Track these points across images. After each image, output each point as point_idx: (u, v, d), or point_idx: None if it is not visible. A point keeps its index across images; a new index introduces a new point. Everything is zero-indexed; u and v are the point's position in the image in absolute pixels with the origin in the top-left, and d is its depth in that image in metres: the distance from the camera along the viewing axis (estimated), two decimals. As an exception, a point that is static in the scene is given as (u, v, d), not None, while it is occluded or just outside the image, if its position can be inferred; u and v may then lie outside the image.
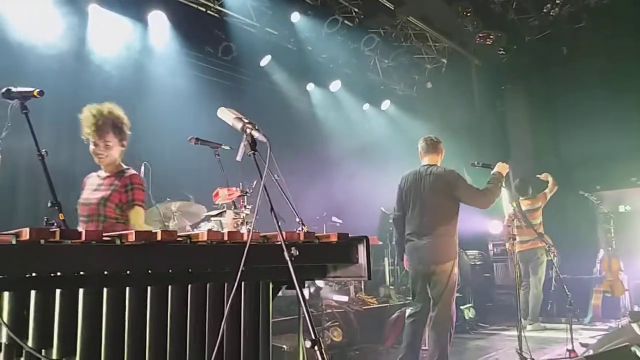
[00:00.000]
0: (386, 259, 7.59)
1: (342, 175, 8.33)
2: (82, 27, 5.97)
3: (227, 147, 4.35)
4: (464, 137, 8.62)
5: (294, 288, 1.86)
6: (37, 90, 2.50)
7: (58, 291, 1.76)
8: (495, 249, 8.77)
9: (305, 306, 1.83)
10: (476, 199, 4.42)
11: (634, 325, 4.09)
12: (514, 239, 5.02)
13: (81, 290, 1.80)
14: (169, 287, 1.98)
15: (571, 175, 8.73)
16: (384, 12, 8.06)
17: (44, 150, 2.83)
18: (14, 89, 2.47)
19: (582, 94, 8.72)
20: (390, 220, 5.10)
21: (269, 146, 2.00)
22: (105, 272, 1.85)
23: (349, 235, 2.48)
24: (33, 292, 1.73)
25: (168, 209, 4.94)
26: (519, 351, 4.32)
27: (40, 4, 5.55)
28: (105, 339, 1.82)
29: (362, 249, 2.46)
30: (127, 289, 1.88)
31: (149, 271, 1.94)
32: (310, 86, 8.77)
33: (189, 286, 2.02)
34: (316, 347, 1.74)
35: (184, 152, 5.44)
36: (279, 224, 1.98)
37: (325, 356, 1.74)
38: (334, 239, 2.42)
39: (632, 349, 3.51)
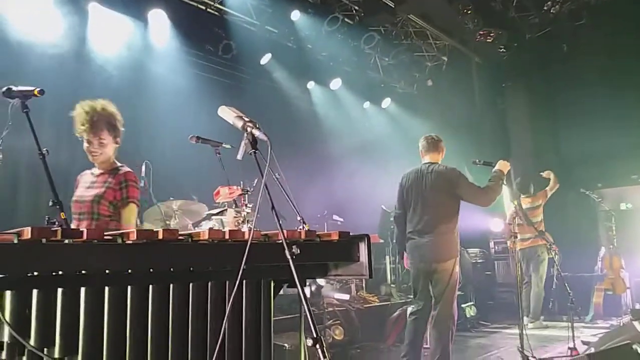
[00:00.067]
0: (387, 257, 7.58)
1: (343, 174, 8.33)
2: (82, 25, 5.97)
3: (227, 146, 4.34)
4: (464, 134, 8.62)
5: (295, 286, 1.86)
6: (38, 89, 2.49)
7: (60, 290, 1.76)
8: (496, 247, 8.78)
9: (307, 304, 1.83)
10: (477, 197, 4.42)
11: (636, 323, 4.10)
12: (516, 237, 5.01)
13: (83, 289, 1.80)
14: (171, 285, 1.98)
15: (572, 173, 8.73)
16: (384, 9, 8.05)
17: (44, 149, 2.82)
18: (14, 88, 2.46)
19: (583, 91, 8.72)
20: (391, 219, 5.10)
21: (269, 145, 2.00)
22: (107, 271, 1.85)
23: (350, 234, 2.48)
24: (35, 291, 1.73)
25: (169, 208, 4.94)
26: (520, 349, 4.32)
27: (40, 2, 5.55)
28: (107, 338, 1.82)
29: (363, 247, 2.46)
30: (129, 287, 1.88)
31: (151, 270, 1.94)
32: (311, 84, 8.77)
33: (191, 285, 2.02)
34: (318, 346, 1.74)
35: (184, 150, 5.44)
36: (280, 222, 1.98)
37: (326, 354, 1.74)
38: (335, 237, 2.42)
39: (634, 346, 3.51)
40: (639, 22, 7.91)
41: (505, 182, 4.52)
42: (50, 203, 2.54)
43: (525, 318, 6.72)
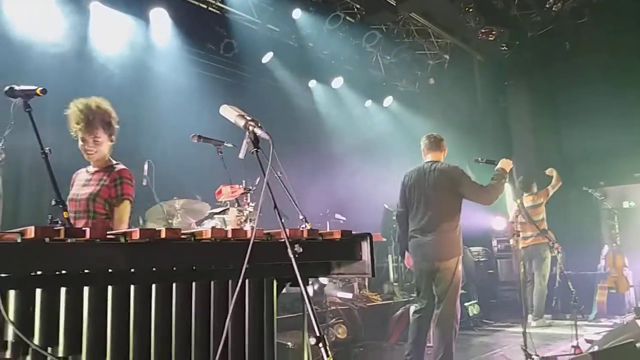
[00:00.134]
0: (390, 255, 7.58)
1: (345, 172, 8.33)
2: (84, 24, 5.98)
3: (229, 145, 4.34)
4: (466, 133, 8.61)
5: (298, 285, 1.86)
6: (40, 88, 2.49)
7: (63, 289, 1.77)
8: (499, 245, 8.77)
9: (310, 303, 1.83)
10: (480, 195, 4.41)
11: (639, 322, 4.09)
12: (518, 235, 5.01)
13: (86, 288, 1.81)
14: (173, 284, 1.98)
15: (574, 171, 8.71)
16: (386, 8, 8.04)
17: (47, 148, 2.82)
18: (17, 87, 2.46)
19: (585, 89, 8.70)
20: (394, 217, 5.10)
21: (271, 143, 2.00)
22: (110, 270, 1.85)
23: (353, 232, 2.47)
24: (38, 290, 1.73)
25: (172, 207, 4.94)
26: (523, 348, 4.31)
27: (42, 2, 5.55)
28: (111, 337, 1.82)
29: (365, 246, 2.46)
30: (132, 286, 1.89)
31: (153, 269, 1.95)
32: (312, 83, 8.77)
33: (193, 284, 2.03)
34: (320, 344, 1.74)
35: (186, 149, 5.44)
36: (282, 221, 1.98)
37: (329, 353, 1.74)
38: (337, 236, 2.42)
39: (637, 345, 3.51)
40: (641, 19, 7.90)
41: (507, 180, 4.51)
42: (53, 202, 2.54)
43: (528, 316, 6.73)
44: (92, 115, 3.00)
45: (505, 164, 4.53)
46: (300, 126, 8.27)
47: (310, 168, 7.46)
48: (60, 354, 1.75)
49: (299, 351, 4.21)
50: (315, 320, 1.78)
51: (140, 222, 5.25)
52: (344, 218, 7.32)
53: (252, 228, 2.02)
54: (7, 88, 2.43)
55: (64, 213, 2.35)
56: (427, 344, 4.54)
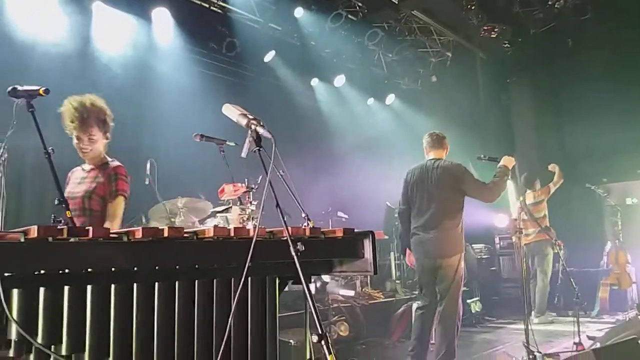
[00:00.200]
0: (392, 253, 7.59)
1: (347, 170, 8.33)
2: (86, 24, 5.99)
3: (232, 144, 4.35)
4: (469, 130, 8.59)
5: (300, 283, 1.87)
6: (43, 88, 2.49)
7: (66, 288, 1.77)
8: (501, 243, 8.76)
9: (312, 301, 1.83)
10: (482, 193, 4.42)
11: (641, 318, 4.09)
12: (521, 233, 5.01)
13: (89, 287, 1.81)
14: (176, 283, 1.99)
15: (577, 167, 8.70)
16: (387, 6, 8.03)
17: (50, 148, 2.83)
18: (19, 88, 2.46)
19: (588, 86, 8.68)
20: (396, 215, 5.10)
21: (273, 142, 2.00)
22: (113, 269, 1.86)
23: (355, 230, 2.48)
24: (42, 289, 1.74)
25: (174, 205, 4.95)
26: (526, 344, 4.32)
27: (44, 2, 5.57)
28: (114, 335, 1.83)
29: (367, 244, 2.46)
30: (135, 285, 1.89)
31: (156, 267, 1.95)
32: (315, 81, 8.77)
33: (196, 282, 2.03)
34: (323, 342, 1.74)
35: (189, 148, 5.46)
36: (285, 219, 1.98)
37: (332, 350, 1.75)
38: (339, 234, 2.42)
39: (640, 341, 3.51)
40: (644, 16, 7.87)
41: (510, 177, 4.52)
42: (56, 202, 2.55)
43: (531, 313, 6.73)
44: (87, 113, 2.98)
45: (507, 161, 4.53)
46: (302, 125, 8.27)
47: (313, 166, 7.46)
48: (64, 353, 1.75)
49: (302, 349, 4.23)
50: (318, 318, 1.79)
51: (143, 220, 5.27)
52: (346, 216, 7.32)
53: (255, 226, 2.03)
54: (10, 88, 2.43)
55: (67, 212, 2.36)
56: (430, 342, 4.55)
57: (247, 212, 4.53)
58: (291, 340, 4.39)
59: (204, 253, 2.06)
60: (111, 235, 1.86)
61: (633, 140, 8.07)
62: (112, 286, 1.85)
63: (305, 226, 2.32)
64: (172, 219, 4.92)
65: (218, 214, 4.87)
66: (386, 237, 7.39)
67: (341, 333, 5.34)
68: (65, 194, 3.07)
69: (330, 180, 7.80)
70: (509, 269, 8.59)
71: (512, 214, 7.45)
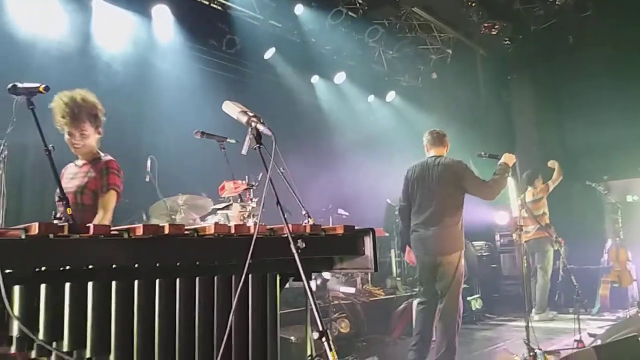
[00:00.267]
0: (393, 250, 7.59)
1: (348, 168, 8.33)
2: (86, 21, 5.98)
3: (232, 141, 4.35)
4: (469, 127, 8.59)
5: (301, 280, 1.87)
6: (43, 85, 2.48)
7: (67, 285, 1.78)
8: (502, 240, 8.77)
9: (313, 298, 1.83)
10: (482, 190, 4.42)
11: (642, 315, 4.09)
12: (521, 230, 5.01)
13: (90, 284, 1.82)
14: (177, 280, 1.99)
15: (578, 165, 8.70)
16: (388, 3, 8.02)
17: (50, 145, 2.83)
18: (20, 85, 2.46)
19: (589, 83, 8.66)
20: (396, 212, 5.11)
21: (274, 139, 2.00)
22: (114, 266, 1.86)
23: (355, 228, 2.48)
24: (43, 286, 1.74)
25: (175, 202, 4.95)
26: (526, 342, 4.32)
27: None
28: (115, 331, 1.84)
29: (368, 241, 2.46)
30: (136, 282, 1.90)
31: (157, 264, 1.95)
32: (315, 78, 8.75)
33: (197, 279, 2.03)
34: (324, 339, 1.74)
35: (189, 145, 5.46)
36: (285, 216, 1.98)
37: (332, 347, 1.75)
38: (340, 231, 2.42)
39: (640, 338, 3.51)
40: (645, 12, 7.85)
41: (510, 174, 4.52)
42: (57, 198, 2.55)
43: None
44: (78, 109, 2.96)
45: (508, 158, 4.53)
46: (302, 122, 8.26)
47: (313, 163, 7.46)
48: (65, 349, 1.76)
49: (302, 345, 4.23)
50: (318, 315, 1.79)
51: (144, 217, 5.27)
52: (347, 213, 7.32)
53: (255, 223, 2.03)
54: (10, 85, 2.43)
55: (68, 209, 2.36)
56: (432, 339, 4.55)
57: (248, 210, 4.52)
58: (292, 337, 4.40)
59: (205, 250, 2.06)
60: (112, 232, 1.87)
61: (634, 137, 8.06)
62: (113, 283, 1.86)
63: (305, 223, 2.32)
64: (173, 216, 4.93)
65: (218, 211, 4.87)
66: (387, 234, 7.40)
67: (342, 330, 5.35)
68: (58, 190, 3.07)
69: (331, 177, 7.80)
70: (509, 266, 8.60)
71: (512, 211, 7.45)
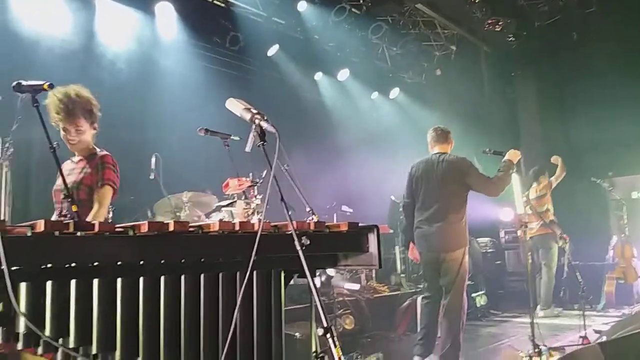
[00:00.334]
0: (397, 247, 7.59)
1: (352, 164, 8.33)
2: (90, 19, 6.00)
3: (236, 138, 4.35)
4: (473, 124, 8.56)
5: (306, 277, 1.87)
6: (48, 83, 2.49)
7: (73, 282, 1.79)
8: (506, 237, 8.75)
9: (317, 294, 1.84)
10: (486, 187, 4.42)
11: (647, 311, 4.07)
12: (526, 227, 5.00)
13: (96, 281, 1.83)
14: (182, 277, 2.00)
15: (582, 161, 8.66)
16: (391, -1, 8.00)
17: (55, 142, 2.84)
18: (24, 83, 2.46)
19: (593, 79, 8.61)
20: (400, 209, 5.11)
21: (277, 136, 2.00)
22: (119, 263, 1.87)
23: (359, 224, 2.48)
24: (49, 283, 1.75)
25: (179, 200, 4.97)
26: (531, 338, 4.32)
27: (48, -3, 5.58)
28: (120, 328, 1.85)
29: (372, 238, 2.46)
30: (141, 279, 1.91)
31: (162, 261, 1.96)
32: (318, 75, 8.75)
33: (202, 276, 2.04)
34: (328, 335, 1.75)
35: (193, 143, 5.46)
36: (289, 213, 1.98)
37: (337, 343, 1.75)
38: (344, 228, 2.43)
39: (646, 334, 3.49)
40: (649, 8, 7.80)
41: (515, 171, 4.51)
42: (62, 196, 2.56)
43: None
44: (72, 105, 2.94)
45: (513, 155, 4.52)
46: (306, 119, 8.26)
47: (317, 160, 7.46)
48: (71, 345, 1.77)
49: (307, 342, 4.24)
50: (323, 311, 1.79)
51: (149, 215, 5.29)
52: (351, 210, 7.32)
53: (260, 220, 2.04)
54: (14, 83, 2.44)
55: (73, 207, 2.37)
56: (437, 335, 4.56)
57: (252, 207, 4.53)
58: (297, 334, 4.40)
59: (210, 247, 2.07)
60: (117, 229, 1.87)
61: (639, 133, 8.01)
62: (118, 280, 1.87)
63: (309, 220, 2.33)
64: (178, 213, 4.94)
65: (223, 208, 4.88)
66: (391, 231, 7.39)
67: (346, 326, 5.35)
68: (54, 187, 3.06)
69: (335, 174, 7.80)
70: (514, 263, 8.58)
71: (517, 207, 7.43)
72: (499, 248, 8.63)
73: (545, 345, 4.35)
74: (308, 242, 1.93)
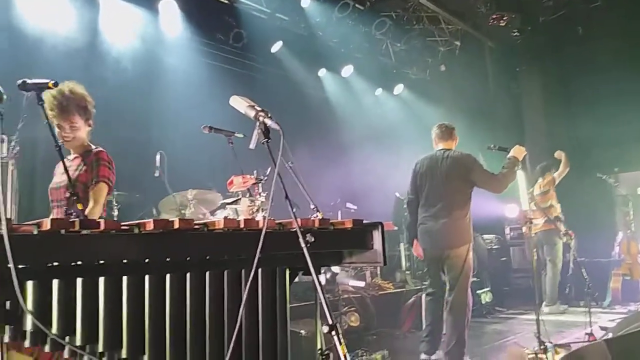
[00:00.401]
0: (402, 244, 7.58)
1: (356, 161, 8.32)
2: (94, 17, 6.00)
3: (240, 135, 4.34)
4: (478, 120, 8.54)
5: (310, 274, 1.87)
6: (52, 81, 2.49)
7: (79, 280, 1.79)
8: (512, 233, 8.73)
9: (322, 292, 1.84)
10: (490, 183, 4.41)
11: (654, 308, 4.05)
12: (531, 223, 4.98)
13: (101, 279, 1.83)
14: (187, 274, 2.00)
15: (588, 157, 8.62)
16: (395, -6, 7.97)
17: (60, 140, 2.85)
18: (29, 81, 2.47)
19: (598, 74, 8.56)
20: (405, 205, 5.11)
21: (281, 134, 2.00)
22: (125, 261, 1.87)
23: (364, 221, 2.48)
24: (55, 281, 1.76)
25: (184, 197, 4.97)
26: (537, 335, 4.31)
27: (52, -5, 5.58)
28: (126, 326, 1.85)
29: (377, 235, 2.46)
30: (146, 276, 1.91)
31: (167, 259, 1.97)
32: (322, 72, 8.73)
33: (207, 273, 2.04)
34: (333, 332, 1.75)
35: (197, 140, 5.46)
36: (294, 210, 1.98)
37: (342, 341, 1.75)
38: (348, 225, 2.43)
39: (652, 331, 3.48)
40: (655, 3, 7.74)
41: (520, 168, 4.49)
42: (67, 194, 2.57)
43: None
44: (66, 101, 2.94)
45: (518, 151, 4.50)
46: (310, 115, 8.25)
47: (321, 157, 7.45)
48: (78, 343, 1.78)
49: (312, 339, 4.24)
50: (328, 309, 1.79)
51: (154, 212, 5.30)
52: (355, 207, 7.31)
53: (264, 218, 2.03)
54: (19, 82, 2.44)
55: (79, 205, 2.38)
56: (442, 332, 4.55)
57: (257, 204, 4.53)
58: (302, 331, 4.41)
59: (215, 245, 2.07)
60: (122, 227, 1.88)
61: (645, 129, 7.98)
62: (124, 278, 1.87)
63: (314, 217, 2.33)
64: (183, 211, 4.95)
65: (228, 206, 4.88)
66: (395, 228, 7.37)
67: (352, 323, 5.36)
68: (50, 186, 3.05)
69: (339, 171, 7.79)
70: (519, 259, 8.56)
71: (522, 204, 7.42)
72: (504, 245, 8.61)
73: (551, 342, 4.34)
74: (312, 240, 1.93)
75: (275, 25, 7.60)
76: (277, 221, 2.23)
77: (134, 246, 1.86)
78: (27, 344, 1.76)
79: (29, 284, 1.72)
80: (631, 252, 7.32)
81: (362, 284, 6.23)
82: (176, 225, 1.93)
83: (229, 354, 1.96)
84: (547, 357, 4.17)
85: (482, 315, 6.77)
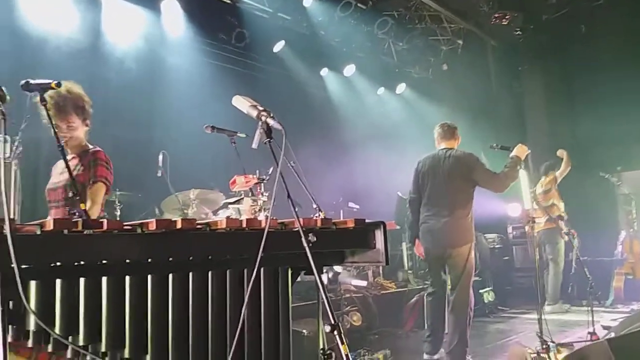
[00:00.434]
0: (404, 243, 7.57)
1: (358, 160, 8.32)
2: (96, 17, 6.02)
3: (242, 135, 4.35)
4: (480, 119, 8.53)
5: (313, 273, 1.87)
6: (55, 81, 2.49)
7: (82, 280, 1.80)
8: (514, 232, 8.72)
9: (324, 291, 1.84)
10: (492, 183, 4.41)
11: (656, 307, 4.04)
12: (533, 222, 4.98)
13: (104, 279, 1.84)
14: (190, 274, 2.01)
15: (590, 156, 8.60)
16: (397, -7, 7.97)
17: (63, 141, 2.85)
18: (32, 81, 2.47)
19: (601, 73, 8.55)
20: (407, 205, 5.10)
21: (284, 133, 2.00)
22: (127, 261, 1.88)
23: (366, 221, 2.48)
24: (58, 281, 1.77)
25: (187, 197, 4.98)
26: (539, 334, 4.30)
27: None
28: (129, 325, 1.86)
29: (379, 234, 2.46)
30: (149, 276, 1.92)
31: (170, 259, 1.97)
32: (324, 71, 8.73)
33: (209, 273, 2.05)
34: (335, 332, 1.75)
35: (200, 140, 5.47)
36: (296, 210, 1.98)
37: (344, 340, 1.76)
38: (350, 224, 2.43)
39: (655, 330, 3.48)
40: (658, 1, 7.72)
41: (523, 167, 4.48)
42: (70, 194, 2.57)
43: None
44: (63, 101, 2.92)
45: (520, 150, 4.50)
46: (312, 115, 8.25)
47: (323, 157, 7.45)
48: (81, 343, 1.78)
49: (314, 338, 4.25)
50: (330, 308, 1.79)
51: (157, 212, 5.31)
52: (358, 206, 7.32)
53: (267, 217, 2.04)
54: (23, 82, 2.45)
55: (81, 205, 2.38)
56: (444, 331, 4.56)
57: (259, 204, 4.53)
58: (304, 330, 4.41)
59: (217, 244, 2.07)
60: (125, 227, 1.88)
61: (648, 128, 7.96)
62: (127, 278, 1.88)
63: (316, 217, 2.32)
64: (185, 211, 4.95)
65: (230, 205, 4.89)
66: (397, 227, 7.35)
67: (354, 323, 5.36)
68: (47, 186, 3.04)
69: (341, 170, 7.79)
70: (522, 259, 8.55)
71: (524, 203, 7.40)
72: (506, 244, 8.60)
73: (554, 342, 4.33)
74: (315, 239, 1.93)
75: (277, 25, 7.60)
76: (280, 221, 2.24)
77: (136, 246, 1.86)
78: (29, 343, 1.77)
79: (32, 284, 1.73)
80: (634, 251, 7.30)
81: (364, 283, 6.23)
82: (179, 225, 1.94)
83: (231, 354, 1.97)
84: (549, 357, 4.16)
85: (485, 314, 6.77)
